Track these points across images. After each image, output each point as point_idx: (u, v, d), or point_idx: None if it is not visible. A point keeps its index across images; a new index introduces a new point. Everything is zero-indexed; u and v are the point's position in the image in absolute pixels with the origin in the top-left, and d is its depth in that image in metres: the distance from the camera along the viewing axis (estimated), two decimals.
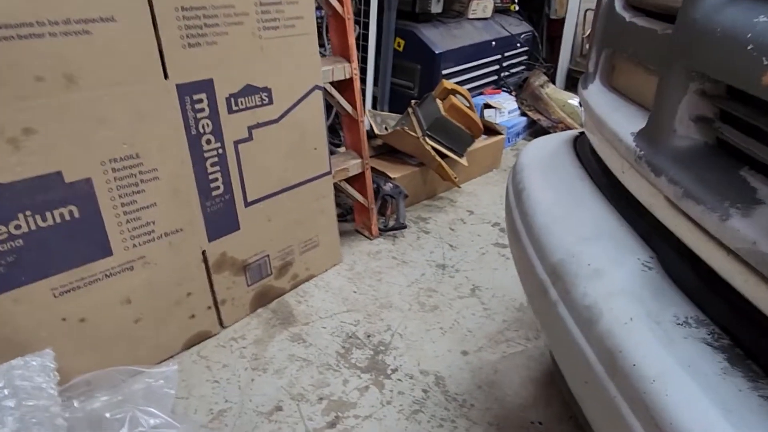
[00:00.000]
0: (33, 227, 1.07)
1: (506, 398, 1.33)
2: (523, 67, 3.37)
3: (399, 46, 2.70)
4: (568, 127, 2.88)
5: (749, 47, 0.50)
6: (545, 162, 1.02)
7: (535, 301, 0.82)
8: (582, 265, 0.70)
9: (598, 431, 0.64)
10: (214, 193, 1.36)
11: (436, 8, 2.71)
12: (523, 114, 3.04)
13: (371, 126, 2.24)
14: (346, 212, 2.07)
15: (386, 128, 2.30)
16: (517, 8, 3.34)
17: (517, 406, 1.31)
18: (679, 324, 0.58)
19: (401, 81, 2.77)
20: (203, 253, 1.37)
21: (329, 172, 1.67)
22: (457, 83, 2.46)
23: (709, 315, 0.58)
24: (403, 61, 2.71)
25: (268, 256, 1.54)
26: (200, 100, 1.27)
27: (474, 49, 2.86)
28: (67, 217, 1.11)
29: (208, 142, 1.31)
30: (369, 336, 1.49)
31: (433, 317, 1.58)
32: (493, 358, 1.45)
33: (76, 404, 1.10)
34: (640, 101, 0.82)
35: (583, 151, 1.03)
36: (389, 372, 1.38)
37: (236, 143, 1.37)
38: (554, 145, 1.09)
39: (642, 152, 0.68)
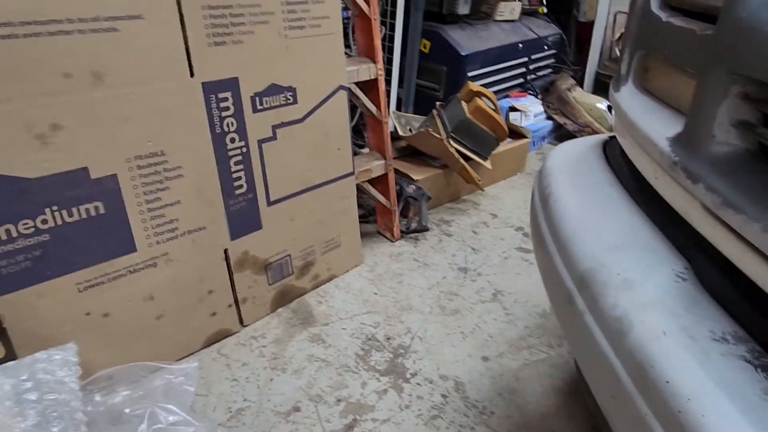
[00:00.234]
0: (59, 222, 1.08)
1: (528, 407, 1.30)
2: (550, 71, 3.32)
3: (425, 47, 2.68)
4: (594, 132, 2.82)
5: None
6: (573, 166, 0.99)
7: (560, 310, 0.80)
8: (612, 275, 0.68)
9: None
10: (238, 191, 1.36)
11: (464, 9, 2.68)
12: (549, 118, 2.99)
13: (395, 127, 2.22)
14: (368, 214, 2.06)
15: (410, 130, 2.29)
16: (545, 10, 3.29)
17: (539, 415, 1.28)
18: (715, 340, 0.56)
19: (426, 83, 2.75)
20: (225, 251, 1.37)
21: (352, 173, 1.66)
22: (483, 85, 2.44)
23: (749, 331, 0.55)
24: (428, 63, 2.69)
25: (289, 255, 1.54)
26: (225, 99, 1.27)
27: (500, 51, 2.82)
28: (93, 213, 1.12)
29: (233, 140, 1.31)
30: (389, 338, 1.48)
31: (453, 321, 1.56)
32: (514, 365, 1.42)
33: (97, 398, 1.11)
34: (675, 105, 0.79)
35: (613, 155, 0.99)
36: (408, 376, 1.36)
37: (260, 142, 1.37)
38: (582, 149, 1.06)
39: (678, 158, 0.66)
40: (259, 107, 1.34)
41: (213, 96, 1.25)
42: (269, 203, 1.44)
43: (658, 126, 0.74)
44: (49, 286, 1.09)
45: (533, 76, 3.16)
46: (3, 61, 0.95)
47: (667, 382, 0.53)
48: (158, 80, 1.15)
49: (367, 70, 1.64)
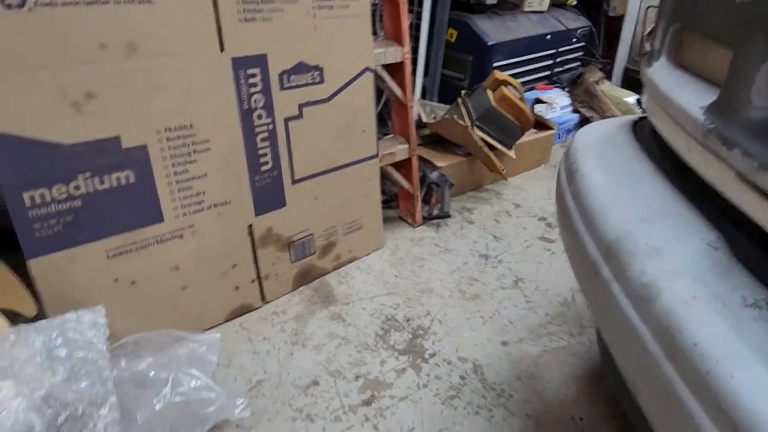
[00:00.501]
0: (91, 189, 1.11)
1: (546, 392, 1.29)
2: (578, 63, 3.27)
3: (451, 36, 2.67)
4: None
5: None
6: (601, 144, 0.98)
7: (585, 282, 0.79)
8: (639, 244, 0.67)
9: (652, 415, 0.60)
10: (263, 168, 1.37)
11: None
12: (576, 111, 2.95)
13: (419, 114, 2.22)
14: (390, 199, 2.06)
15: (434, 118, 2.28)
16: (575, 2, 3.24)
17: (558, 401, 1.27)
18: (748, 306, 0.55)
19: (452, 72, 2.74)
20: (249, 227, 1.39)
21: (376, 156, 1.66)
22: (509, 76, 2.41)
23: None
24: (454, 53, 2.68)
25: (312, 235, 1.55)
26: (254, 75, 1.28)
27: (528, 42, 2.79)
28: (123, 182, 1.15)
29: (260, 117, 1.33)
30: (408, 320, 1.48)
31: (473, 306, 1.56)
32: (534, 351, 1.41)
33: (123, 363, 1.14)
34: (710, 77, 0.77)
35: (642, 134, 0.98)
36: (427, 356, 1.36)
37: (286, 120, 1.38)
38: (611, 128, 1.05)
39: (712, 125, 0.64)
40: (286, 85, 1.35)
41: (242, 71, 1.26)
42: (293, 181, 1.45)
43: (692, 97, 0.73)
44: (80, 251, 1.12)
45: (560, 69, 3.12)
46: (42, 29, 0.98)
47: (695, 344, 0.52)
48: (189, 53, 1.17)
49: (394, 53, 1.64)
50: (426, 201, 2.00)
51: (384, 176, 1.79)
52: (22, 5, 0.95)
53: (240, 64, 1.25)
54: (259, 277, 1.45)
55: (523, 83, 2.86)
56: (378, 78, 1.67)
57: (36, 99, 1.00)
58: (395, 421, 1.18)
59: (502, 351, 1.40)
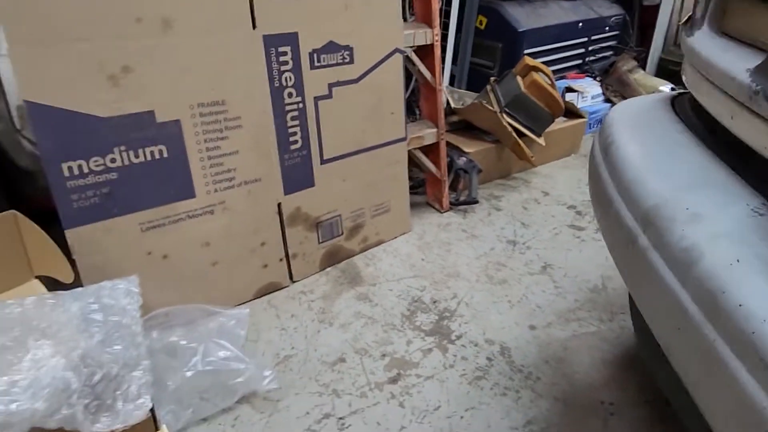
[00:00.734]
0: (126, 162, 1.13)
1: (575, 376, 1.27)
2: (610, 53, 3.20)
3: (481, 24, 2.64)
4: None
5: None
6: (637, 118, 0.95)
7: (620, 253, 0.77)
8: (679, 210, 0.65)
9: (691, 380, 0.59)
10: (293, 147, 1.38)
11: None
12: (608, 100, 2.89)
13: (448, 101, 2.20)
14: (417, 185, 2.05)
15: (462, 104, 2.26)
16: None
17: (587, 386, 1.25)
18: None
19: (481, 60, 2.71)
20: (278, 205, 1.40)
21: (404, 139, 1.66)
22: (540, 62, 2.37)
23: None
24: (484, 40, 2.65)
25: (339, 216, 1.56)
26: (285, 53, 1.29)
27: (559, 29, 2.74)
28: (157, 156, 1.17)
29: (290, 95, 1.34)
30: (435, 302, 1.48)
31: (501, 290, 1.54)
32: (562, 335, 1.39)
33: (154, 335, 1.16)
34: (755, 42, 0.74)
35: (681, 108, 0.95)
36: (453, 338, 1.35)
37: (316, 99, 1.39)
38: (647, 103, 1.02)
39: (759, 87, 0.62)
40: (316, 64, 1.36)
41: (273, 49, 1.27)
42: (322, 161, 1.46)
43: (737, 61, 0.70)
44: (115, 224, 1.15)
45: (592, 58, 3.05)
46: (81, 2, 1.00)
47: (740, 305, 0.51)
48: (223, 30, 1.18)
49: (424, 35, 1.63)
50: (453, 187, 1.99)
51: (411, 160, 1.79)
52: None
53: (271, 41, 1.26)
54: (287, 255, 1.47)
55: (554, 72, 2.80)
56: (407, 60, 1.66)
57: (75, 72, 1.03)
58: (421, 399, 1.18)
59: (529, 335, 1.38)
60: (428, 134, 1.77)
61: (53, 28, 0.99)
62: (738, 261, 0.55)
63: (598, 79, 2.95)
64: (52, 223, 1.15)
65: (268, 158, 1.34)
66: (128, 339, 0.93)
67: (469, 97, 2.34)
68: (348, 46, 1.41)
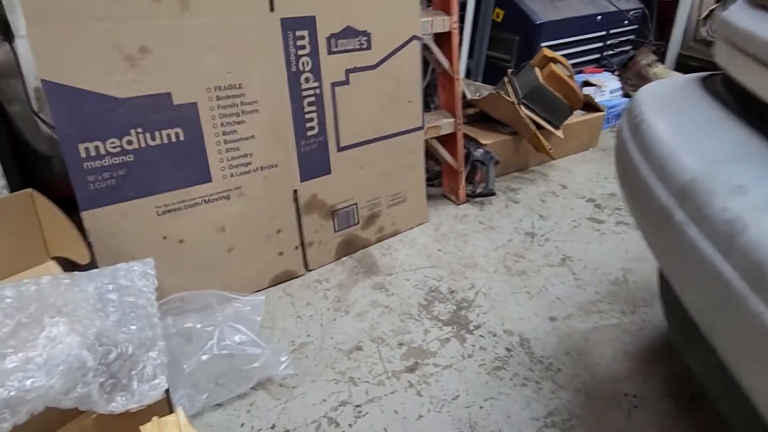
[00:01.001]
0: (143, 144, 1.12)
1: (597, 368, 1.23)
2: (629, 47, 3.15)
3: (497, 16, 2.61)
4: None
5: None
6: (667, 97, 0.92)
7: (653, 231, 0.74)
8: (720, 183, 0.62)
9: (734, 356, 0.56)
10: (309, 133, 1.37)
11: None
12: (626, 95, 2.84)
13: (464, 92, 2.17)
14: (433, 177, 2.03)
15: (479, 96, 2.23)
16: None
17: (609, 377, 1.21)
18: None
19: (497, 54, 2.67)
20: (294, 192, 1.39)
21: (422, 128, 1.64)
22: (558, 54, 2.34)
23: None
24: (500, 33, 2.61)
25: (356, 204, 1.54)
26: (302, 37, 1.28)
27: (577, 22, 2.70)
28: (174, 139, 1.15)
29: (307, 80, 1.32)
30: (452, 292, 1.45)
31: (519, 281, 1.51)
32: (583, 327, 1.35)
33: (169, 320, 1.15)
34: None
35: (713, 88, 0.92)
36: (471, 328, 1.33)
37: (333, 85, 1.37)
38: (677, 84, 0.99)
39: None
40: (334, 49, 1.34)
41: (290, 33, 1.25)
42: (339, 148, 1.44)
43: None
44: (132, 206, 1.14)
45: (610, 52, 3.01)
46: None
47: None
48: (240, 11, 1.17)
49: (442, 22, 1.61)
50: (469, 180, 1.96)
51: (428, 150, 1.76)
52: None
53: (289, 25, 1.24)
54: (302, 243, 1.45)
55: (571, 66, 2.77)
56: (425, 49, 1.64)
57: (93, 51, 1.02)
58: (439, 388, 1.15)
59: (549, 326, 1.35)
60: (445, 124, 1.75)
61: (71, 7, 0.98)
62: None
63: (616, 73, 2.91)
64: (68, 209, 1.14)
65: (284, 144, 1.32)
66: (144, 320, 0.91)
67: (486, 90, 2.31)
68: (366, 31, 1.39)
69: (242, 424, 1.05)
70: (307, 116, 1.35)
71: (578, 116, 2.33)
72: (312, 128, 1.37)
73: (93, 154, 1.07)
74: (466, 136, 1.98)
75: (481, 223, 1.81)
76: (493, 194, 1.94)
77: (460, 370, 1.20)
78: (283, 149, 1.33)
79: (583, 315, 1.40)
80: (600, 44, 2.92)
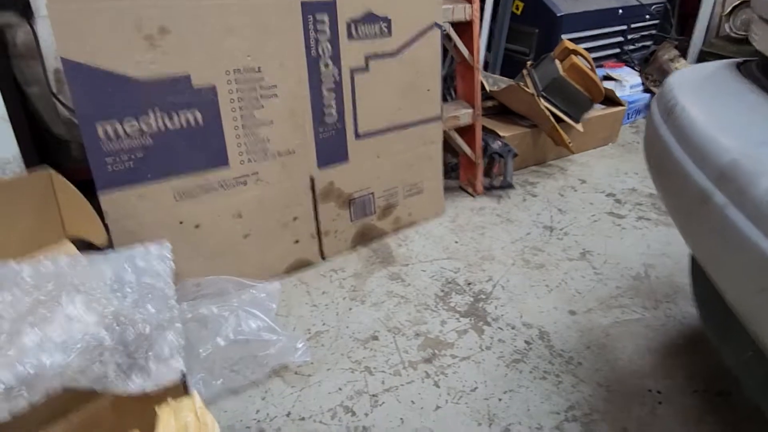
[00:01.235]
0: (161, 127, 1.11)
1: (618, 362, 1.20)
2: (650, 42, 3.09)
3: (517, 8, 2.57)
4: None
5: None
6: (702, 81, 0.89)
7: (688, 215, 0.72)
8: (763, 163, 0.59)
9: None
10: (327, 119, 1.35)
11: None
12: (647, 90, 2.79)
13: (482, 84, 2.14)
14: (450, 169, 2.00)
15: (497, 88, 2.20)
16: None
17: (632, 373, 1.18)
18: None
19: (516, 47, 2.64)
20: (312, 179, 1.37)
21: (440, 118, 1.61)
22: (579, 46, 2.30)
23: None
24: (519, 25, 2.58)
25: (372, 194, 1.52)
26: (322, 21, 1.26)
27: (598, 16, 2.66)
28: (192, 122, 1.14)
29: (326, 66, 1.30)
30: (469, 284, 1.43)
31: (538, 274, 1.48)
32: (604, 321, 1.32)
33: (185, 306, 1.14)
34: None
35: (750, 72, 0.89)
36: (489, 320, 1.30)
37: (353, 72, 1.35)
38: (711, 69, 0.96)
39: None
40: (354, 35, 1.32)
41: (311, 17, 1.24)
42: (357, 136, 1.42)
43: None
44: (149, 189, 1.13)
45: (631, 47, 2.96)
46: None
47: None
48: None
49: (462, 10, 1.58)
50: (487, 173, 1.93)
51: (446, 141, 1.74)
52: None
53: (309, 8, 1.23)
54: (319, 232, 1.43)
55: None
56: (445, 37, 1.61)
57: (113, 30, 1.01)
58: (457, 379, 1.13)
59: (569, 320, 1.32)
60: (464, 114, 1.72)
61: None
62: None
63: (636, 68, 2.86)
64: (85, 194, 1.13)
65: (302, 130, 1.31)
66: (161, 301, 0.90)
67: (504, 82, 2.28)
68: (386, 17, 1.37)
69: (257, 411, 1.04)
70: (326, 102, 1.33)
71: (598, 110, 2.29)
72: (330, 115, 1.35)
73: (111, 135, 1.06)
74: (484, 128, 1.96)
75: (498, 216, 1.78)
76: (511, 187, 1.91)
77: (478, 362, 1.18)
78: (300, 135, 1.31)
79: (604, 309, 1.37)
80: (621, 39, 2.87)
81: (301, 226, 1.39)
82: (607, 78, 2.69)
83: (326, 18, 1.26)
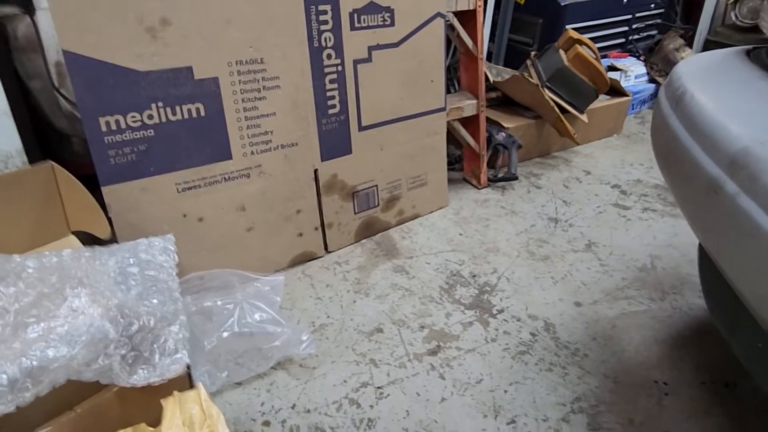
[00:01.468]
0: (163, 119, 1.10)
1: (625, 354, 1.20)
2: (655, 31, 3.06)
3: None
4: None
5: None
6: (710, 69, 0.88)
7: (698, 204, 0.71)
8: None
9: None
10: (330, 111, 1.34)
11: None
12: (652, 80, 2.77)
13: (486, 74, 2.13)
14: (453, 161, 1.99)
15: (501, 79, 2.18)
16: None
17: (638, 364, 1.18)
18: None
19: (519, 37, 2.61)
20: (315, 171, 1.36)
21: (444, 109, 1.60)
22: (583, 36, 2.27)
23: None
24: (523, 15, 2.55)
25: (376, 186, 1.51)
26: (325, 12, 1.25)
27: (602, 5, 2.63)
28: (194, 114, 1.14)
29: (329, 57, 1.29)
30: (474, 276, 1.42)
31: (543, 266, 1.48)
32: (610, 313, 1.32)
33: (189, 299, 1.13)
34: None
35: (759, 59, 0.87)
36: (494, 312, 1.30)
37: (356, 62, 1.34)
38: (719, 56, 0.94)
39: None
40: (356, 25, 1.31)
41: (313, 7, 1.22)
42: (360, 128, 1.41)
43: None
44: (152, 182, 1.13)
45: (636, 36, 2.93)
46: None
47: None
48: None
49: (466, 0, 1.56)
50: (491, 165, 1.92)
51: (450, 132, 1.72)
52: None
53: None
54: (322, 224, 1.43)
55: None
56: (448, 27, 1.60)
57: (114, 22, 1.00)
58: (462, 371, 1.12)
59: (575, 311, 1.32)
60: (468, 105, 1.71)
61: None
62: None
63: (641, 58, 2.83)
64: (88, 189, 1.12)
65: (305, 122, 1.30)
66: (165, 294, 0.90)
67: (508, 73, 2.26)
68: (389, 7, 1.35)
69: (262, 403, 1.04)
70: (329, 94, 1.32)
71: (603, 101, 2.27)
72: (333, 106, 1.34)
73: (114, 127, 1.05)
74: (488, 119, 1.94)
75: (503, 208, 1.77)
76: (516, 179, 1.90)
77: (483, 354, 1.17)
78: (304, 127, 1.30)
79: (610, 301, 1.36)
80: (625, 28, 2.84)
81: (304, 218, 1.38)
82: (612, 68, 2.67)
83: (329, 8, 1.25)
